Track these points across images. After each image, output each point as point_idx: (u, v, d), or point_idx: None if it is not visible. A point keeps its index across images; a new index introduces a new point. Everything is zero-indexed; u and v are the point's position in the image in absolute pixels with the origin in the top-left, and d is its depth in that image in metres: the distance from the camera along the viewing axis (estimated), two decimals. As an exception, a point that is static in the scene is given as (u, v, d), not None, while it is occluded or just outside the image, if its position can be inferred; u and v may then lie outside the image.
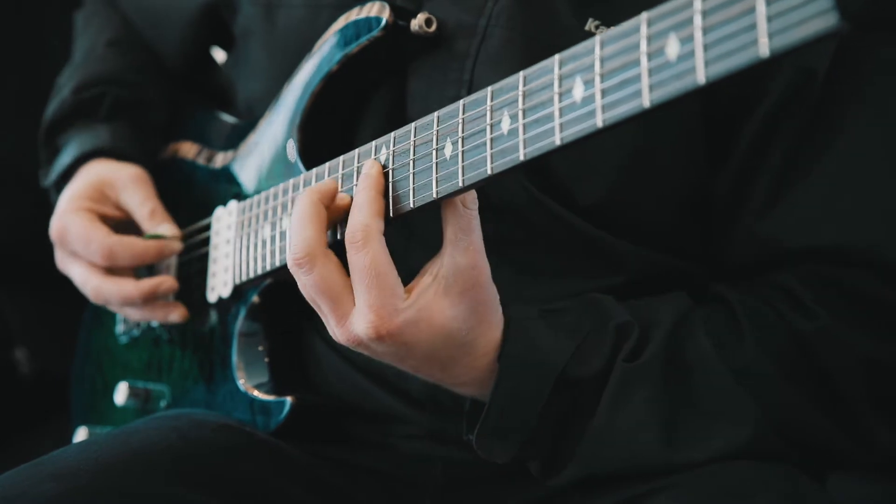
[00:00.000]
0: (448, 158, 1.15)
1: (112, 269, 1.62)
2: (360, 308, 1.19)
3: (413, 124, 1.21)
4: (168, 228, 1.62)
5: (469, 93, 1.34)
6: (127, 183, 1.66)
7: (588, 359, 1.25)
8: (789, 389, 1.29)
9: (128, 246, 1.59)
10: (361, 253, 1.17)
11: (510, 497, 1.42)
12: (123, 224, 1.65)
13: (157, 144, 1.76)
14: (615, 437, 1.26)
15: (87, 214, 1.62)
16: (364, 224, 1.17)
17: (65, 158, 1.71)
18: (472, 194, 1.18)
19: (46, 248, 1.69)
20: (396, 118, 1.39)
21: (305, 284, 1.22)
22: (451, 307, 1.19)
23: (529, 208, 1.34)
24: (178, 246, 1.62)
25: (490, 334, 1.23)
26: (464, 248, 1.18)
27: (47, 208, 1.69)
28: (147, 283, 1.59)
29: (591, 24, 1.31)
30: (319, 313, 1.25)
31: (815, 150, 1.31)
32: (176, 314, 1.60)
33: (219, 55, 1.85)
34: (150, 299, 1.59)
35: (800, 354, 1.29)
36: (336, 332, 1.23)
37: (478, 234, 1.19)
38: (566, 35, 1.31)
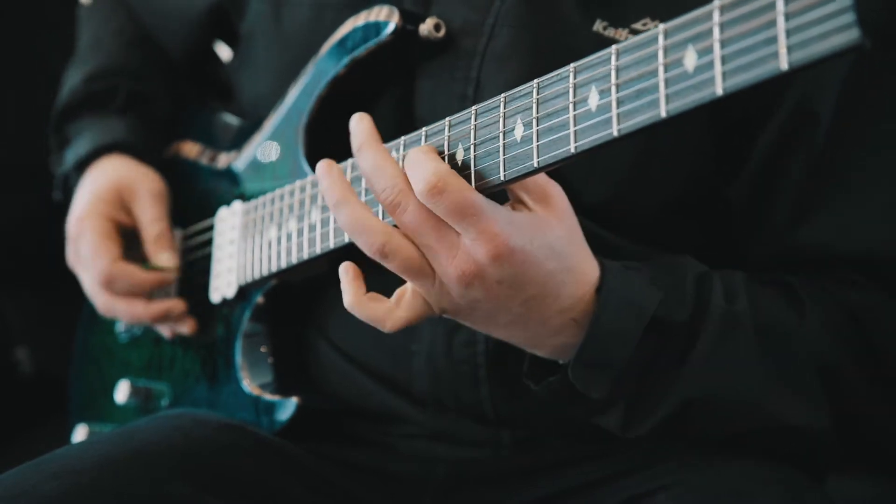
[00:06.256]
0: (459, 164, 1.16)
1: None
2: (470, 242, 1.13)
3: (423, 130, 1.21)
4: (168, 258, 1.65)
5: (476, 91, 1.36)
6: (144, 195, 1.68)
7: (676, 305, 1.24)
8: (845, 360, 1.30)
9: (128, 275, 1.63)
10: (445, 193, 1.12)
11: (511, 497, 1.42)
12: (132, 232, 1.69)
13: (161, 139, 1.78)
14: (718, 365, 1.25)
15: (102, 225, 1.66)
16: (433, 170, 1.13)
17: (80, 148, 1.73)
18: None
19: (47, 249, 1.69)
20: (404, 117, 1.39)
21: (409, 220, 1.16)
22: (551, 229, 1.16)
23: None
24: (173, 277, 1.66)
25: (589, 263, 1.20)
26: (530, 184, 1.16)
27: (47, 209, 1.69)
28: (158, 307, 1.62)
29: (598, 25, 1.31)
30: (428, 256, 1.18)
31: (841, 163, 1.32)
32: (184, 325, 1.64)
33: (223, 52, 1.85)
34: (160, 321, 1.64)
35: (851, 325, 1.30)
36: (447, 270, 1.15)
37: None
38: (573, 35, 1.32)
